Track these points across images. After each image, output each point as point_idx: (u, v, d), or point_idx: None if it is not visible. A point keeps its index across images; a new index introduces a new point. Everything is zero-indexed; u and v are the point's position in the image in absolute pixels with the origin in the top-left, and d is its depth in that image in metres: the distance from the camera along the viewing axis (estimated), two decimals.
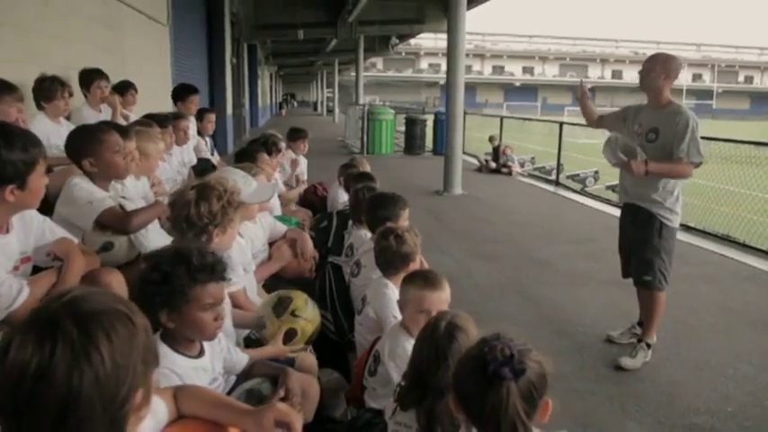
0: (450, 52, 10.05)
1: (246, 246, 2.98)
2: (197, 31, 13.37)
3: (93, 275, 2.21)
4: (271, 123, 34.72)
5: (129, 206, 2.73)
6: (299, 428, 1.47)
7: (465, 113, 16.83)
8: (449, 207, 9.25)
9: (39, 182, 1.99)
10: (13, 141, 1.91)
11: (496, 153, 13.34)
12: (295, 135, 6.38)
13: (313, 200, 5.94)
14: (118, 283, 2.24)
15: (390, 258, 2.80)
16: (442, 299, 2.37)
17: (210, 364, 1.94)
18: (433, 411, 1.79)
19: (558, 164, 11.63)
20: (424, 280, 2.38)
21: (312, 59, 37.97)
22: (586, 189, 12.57)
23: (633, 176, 3.75)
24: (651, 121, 3.80)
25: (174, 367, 1.77)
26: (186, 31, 11.40)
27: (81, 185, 2.65)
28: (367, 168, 5.35)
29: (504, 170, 12.74)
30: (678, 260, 6.37)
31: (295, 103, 72.31)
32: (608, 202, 9.44)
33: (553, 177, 11.98)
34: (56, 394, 0.92)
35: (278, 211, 4.50)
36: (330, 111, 38.74)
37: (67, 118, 4.82)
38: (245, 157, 4.10)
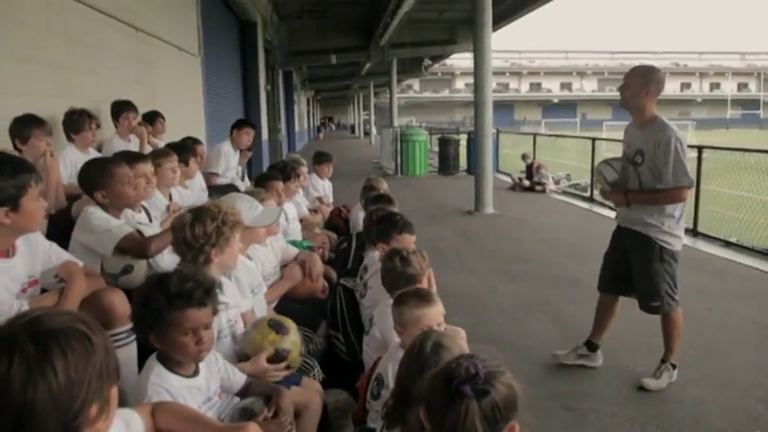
0: (477, 72, 10.08)
1: (256, 268, 3.03)
2: (231, 61, 13.73)
3: (96, 295, 2.31)
4: (308, 147, 35.27)
5: (147, 231, 2.83)
6: None
7: (498, 132, 16.91)
8: (479, 226, 9.21)
9: (32, 205, 2.07)
10: (1, 167, 2.01)
11: (530, 171, 13.23)
12: (320, 159, 6.49)
13: (338, 222, 6.00)
14: (120, 303, 2.32)
15: (395, 280, 2.81)
16: (439, 312, 2.38)
17: (206, 384, 1.99)
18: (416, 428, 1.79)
19: (592, 180, 11.44)
20: (418, 298, 2.39)
21: (348, 83, 38.53)
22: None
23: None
24: (636, 141, 3.63)
25: (167, 385, 1.83)
26: (219, 60, 11.73)
27: (97, 214, 2.77)
28: (384, 188, 5.38)
29: (538, 188, 12.62)
30: (716, 276, 6.25)
31: (333, 126, 73.32)
32: None
33: (588, 194, 11.79)
34: (12, 404, 1.00)
35: (297, 236, 4.57)
36: (367, 133, 39.12)
37: (99, 148, 5.04)
38: (262, 182, 4.19)
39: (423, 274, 2.86)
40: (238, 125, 6.38)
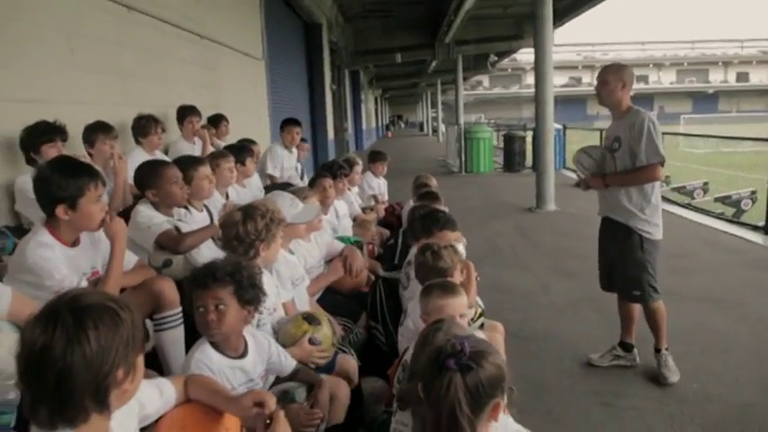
0: (538, 67, 9.98)
1: (297, 262, 3.22)
2: (296, 62, 14.14)
3: (147, 283, 2.60)
4: (376, 145, 35.64)
5: (185, 228, 3.08)
6: (272, 406, 1.67)
7: (565, 128, 16.59)
8: (538, 224, 9.15)
9: (90, 207, 2.32)
10: (66, 169, 2.28)
11: None
12: (374, 158, 6.68)
13: (391, 219, 6.15)
14: (169, 290, 2.60)
15: (426, 273, 2.92)
16: (462, 304, 2.48)
17: (252, 366, 2.19)
18: None
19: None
20: (441, 289, 2.50)
21: (415, 81, 38.66)
22: (693, 202, 11.86)
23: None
24: (614, 130, 3.79)
25: (208, 362, 2.05)
26: (284, 63, 12.12)
27: (143, 212, 3.05)
28: (433, 185, 5.50)
29: None
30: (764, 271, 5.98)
31: (402, 125, 73.54)
32: (711, 214, 8.91)
33: None
34: (54, 365, 1.20)
35: (347, 232, 4.75)
36: (435, 131, 39.09)
37: (166, 151, 5.40)
38: (312, 180, 4.40)
39: (454, 268, 2.96)
40: (282, 125, 6.61)
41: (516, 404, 3.46)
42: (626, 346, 4.01)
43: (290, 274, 3.01)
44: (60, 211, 2.26)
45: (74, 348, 1.21)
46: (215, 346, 2.10)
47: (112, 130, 3.95)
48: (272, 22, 10.49)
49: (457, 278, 3.01)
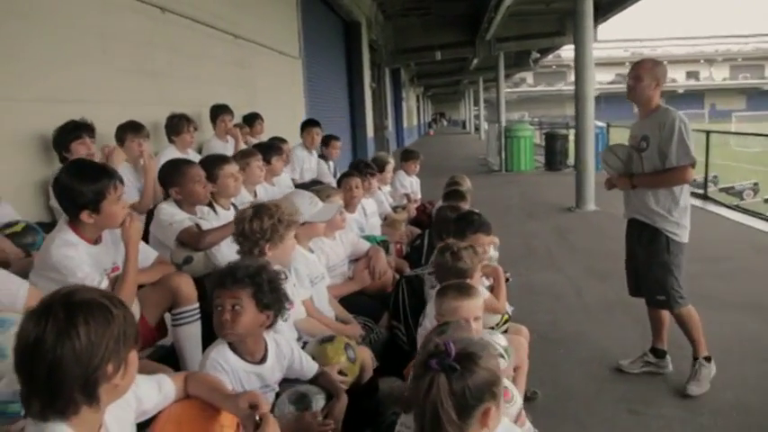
0: (578, 64, 9.77)
1: (317, 260, 3.23)
2: (335, 61, 14.21)
3: (165, 279, 2.66)
4: (417, 143, 35.54)
5: (206, 226, 3.11)
6: (264, 409, 1.67)
7: (609, 126, 16.20)
8: (576, 224, 8.96)
9: (113, 208, 2.36)
10: (84, 175, 2.32)
11: None
12: (406, 156, 6.67)
13: (422, 218, 6.11)
14: (186, 286, 2.66)
15: (445, 274, 2.89)
16: (477, 306, 2.44)
17: (270, 372, 2.19)
18: None
19: (706, 176, 10.70)
20: (457, 290, 2.47)
21: (458, 78, 38.36)
22: (742, 203, 11.41)
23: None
24: (641, 129, 3.64)
25: (224, 363, 2.07)
26: (322, 61, 12.19)
27: (166, 210, 3.10)
28: (466, 185, 5.45)
29: None
30: None
31: (445, 122, 73.19)
32: (760, 216, 8.56)
33: (702, 191, 11.04)
34: (45, 357, 1.25)
35: (375, 230, 4.74)
36: (477, 128, 38.75)
37: (199, 149, 5.50)
38: (340, 179, 4.41)
39: (473, 269, 2.91)
40: (303, 126, 6.64)
41: (540, 408, 3.45)
42: (658, 353, 3.88)
43: (309, 272, 3.02)
44: (85, 215, 2.32)
45: (64, 342, 1.25)
46: (233, 348, 2.10)
47: (143, 130, 4.03)
48: (309, 20, 10.57)
49: (476, 280, 2.97)
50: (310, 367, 2.37)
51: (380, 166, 5.79)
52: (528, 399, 3.60)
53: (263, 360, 2.16)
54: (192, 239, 2.98)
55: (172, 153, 4.62)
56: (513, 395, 2.36)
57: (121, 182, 2.44)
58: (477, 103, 39.57)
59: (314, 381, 2.40)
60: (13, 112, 3.45)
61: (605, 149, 3.97)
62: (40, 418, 1.28)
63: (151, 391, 1.67)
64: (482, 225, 3.62)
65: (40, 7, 3.66)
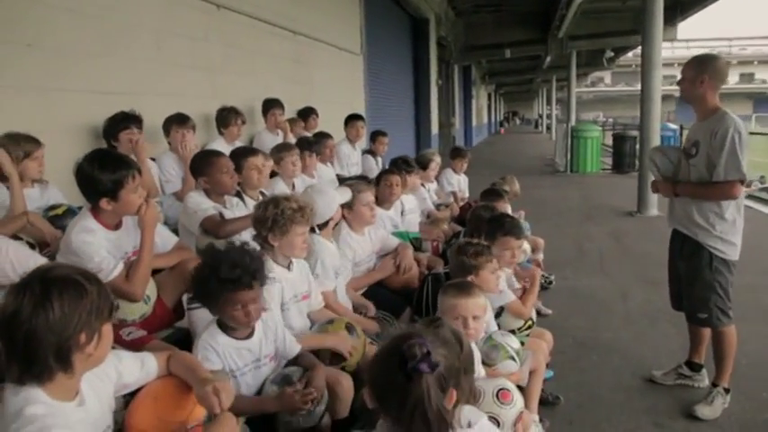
0: (645, 63, 9.43)
1: (343, 254, 3.32)
2: (400, 57, 14.28)
3: (182, 263, 2.79)
4: (487, 142, 35.18)
5: (228, 215, 3.24)
6: (224, 401, 1.74)
7: (682, 128, 15.50)
8: (635, 229, 8.66)
9: (131, 196, 2.52)
10: (104, 164, 2.47)
11: None
12: (454, 154, 6.71)
13: (467, 217, 6.09)
14: None
15: (454, 269, 2.93)
16: (477, 305, 2.44)
17: (258, 347, 2.31)
18: None
19: None
20: (457, 289, 2.48)
21: (530, 77, 37.63)
22: None
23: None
24: (694, 133, 3.36)
25: (214, 343, 2.20)
26: (386, 57, 12.28)
27: (193, 198, 3.26)
28: (513, 187, 5.41)
29: None
30: None
31: (517, 121, 71.99)
32: None
33: None
34: (22, 327, 1.40)
35: (413, 227, 4.77)
36: (549, 128, 37.93)
37: (251, 141, 5.70)
38: (379, 175, 4.50)
39: (479, 266, 2.88)
40: (346, 120, 6.73)
41: (561, 414, 3.40)
42: (693, 366, 3.73)
43: (333, 264, 3.10)
44: (104, 203, 2.48)
45: (39, 313, 1.40)
46: (223, 327, 2.22)
47: (188, 121, 4.22)
48: (373, 17, 10.66)
49: (484, 279, 2.92)
50: (293, 348, 2.45)
51: (425, 163, 5.81)
52: (550, 403, 3.57)
53: (250, 336, 2.28)
54: (214, 227, 3.11)
55: (219, 144, 4.80)
56: (514, 397, 2.35)
57: (139, 172, 2.59)
58: (549, 101, 38.74)
59: (296, 362, 2.48)
60: (67, 102, 3.70)
61: (654, 148, 3.78)
62: (18, 382, 1.42)
63: (133, 366, 1.79)
64: (513, 228, 3.59)
65: (95, 5, 3.90)
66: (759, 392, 3.57)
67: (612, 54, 22.01)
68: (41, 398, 1.42)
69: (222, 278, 2.11)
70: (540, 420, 3.29)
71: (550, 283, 5.85)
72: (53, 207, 3.05)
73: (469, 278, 2.82)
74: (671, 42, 22.86)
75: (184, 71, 4.88)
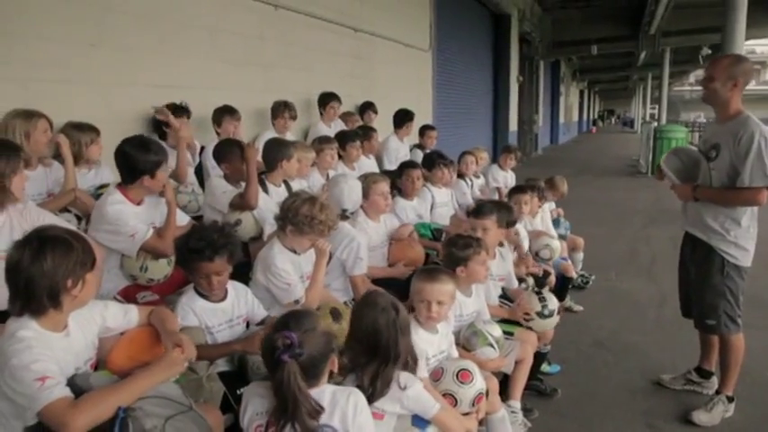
0: None
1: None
2: (478, 54, 14.26)
3: None
4: (576, 140, 34.22)
5: None
6: (188, 352, 2.04)
7: None
8: None
9: (163, 175, 2.96)
10: (148, 148, 2.90)
11: None
12: (503, 150, 6.82)
13: None
14: None
15: (446, 263, 3.09)
16: (441, 290, 2.55)
17: (231, 308, 2.63)
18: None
19: None
20: (426, 273, 2.65)
21: (626, 74, 36.14)
22: None
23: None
24: (713, 135, 3.27)
25: (192, 305, 2.53)
26: (460, 54, 12.34)
27: (218, 183, 3.64)
28: (563, 188, 5.55)
29: None
30: None
31: (613, 120, 69.17)
32: None
33: None
34: (22, 273, 1.80)
35: (442, 220, 4.94)
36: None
37: (306, 133, 6.08)
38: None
39: (467, 259, 3.01)
40: (395, 117, 6.88)
41: (553, 406, 3.52)
42: (703, 373, 3.73)
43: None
44: (146, 180, 2.90)
45: (35, 263, 1.79)
46: (200, 292, 2.55)
47: (236, 113, 4.62)
48: (446, 13, 10.77)
49: (474, 270, 3.04)
50: (260, 312, 2.75)
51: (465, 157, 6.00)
52: (546, 395, 3.68)
53: (223, 299, 2.60)
54: (239, 201, 3.49)
55: (269, 135, 5.18)
56: (474, 379, 2.49)
57: (167, 157, 3.01)
58: (644, 100, 37.09)
59: (261, 324, 2.72)
60: (130, 95, 4.18)
61: (669, 151, 3.72)
62: (18, 315, 1.83)
63: (117, 314, 2.18)
64: (484, 210, 3.64)
65: (151, 5, 4.34)
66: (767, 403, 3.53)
67: (710, 51, 20.80)
68: (33, 326, 1.80)
69: (190, 248, 2.46)
70: (529, 410, 3.43)
71: (587, 282, 5.86)
72: (103, 185, 3.50)
73: (459, 269, 2.98)
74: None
75: (239, 68, 5.28)
